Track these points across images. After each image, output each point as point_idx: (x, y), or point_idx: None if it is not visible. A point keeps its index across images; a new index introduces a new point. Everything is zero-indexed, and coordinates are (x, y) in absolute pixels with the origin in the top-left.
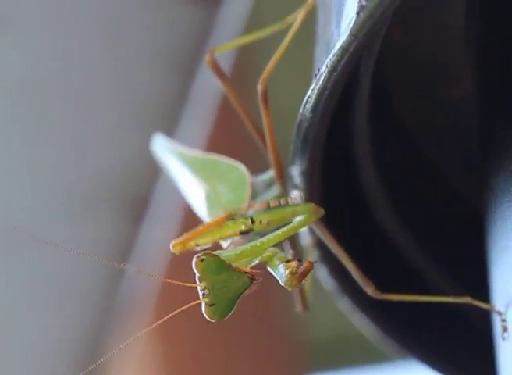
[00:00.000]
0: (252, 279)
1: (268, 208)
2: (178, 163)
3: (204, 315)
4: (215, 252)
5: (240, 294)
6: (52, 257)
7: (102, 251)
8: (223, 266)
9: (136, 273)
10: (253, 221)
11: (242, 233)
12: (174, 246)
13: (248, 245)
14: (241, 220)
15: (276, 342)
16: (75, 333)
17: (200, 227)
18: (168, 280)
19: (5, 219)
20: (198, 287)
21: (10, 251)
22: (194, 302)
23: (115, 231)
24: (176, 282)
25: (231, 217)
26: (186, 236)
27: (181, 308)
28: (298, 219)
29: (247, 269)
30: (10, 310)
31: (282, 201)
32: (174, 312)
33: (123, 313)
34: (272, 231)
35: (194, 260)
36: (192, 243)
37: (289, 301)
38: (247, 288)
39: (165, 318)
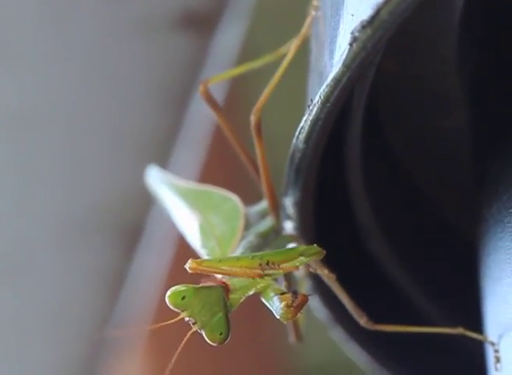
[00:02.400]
0: (224, 285)
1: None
2: (172, 194)
3: (208, 341)
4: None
5: (224, 304)
6: (44, 287)
7: (95, 280)
8: (192, 290)
9: (129, 303)
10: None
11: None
12: (190, 263)
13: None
14: (258, 260)
15: (268, 369)
16: (67, 364)
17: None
18: (155, 326)
19: None
20: (185, 319)
21: (1, 281)
22: (188, 334)
23: (109, 261)
24: (161, 324)
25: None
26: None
27: (178, 350)
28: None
29: (217, 280)
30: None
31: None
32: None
33: (116, 344)
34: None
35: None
36: (207, 265)
37: (281, 327)
38: (224, 296)
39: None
